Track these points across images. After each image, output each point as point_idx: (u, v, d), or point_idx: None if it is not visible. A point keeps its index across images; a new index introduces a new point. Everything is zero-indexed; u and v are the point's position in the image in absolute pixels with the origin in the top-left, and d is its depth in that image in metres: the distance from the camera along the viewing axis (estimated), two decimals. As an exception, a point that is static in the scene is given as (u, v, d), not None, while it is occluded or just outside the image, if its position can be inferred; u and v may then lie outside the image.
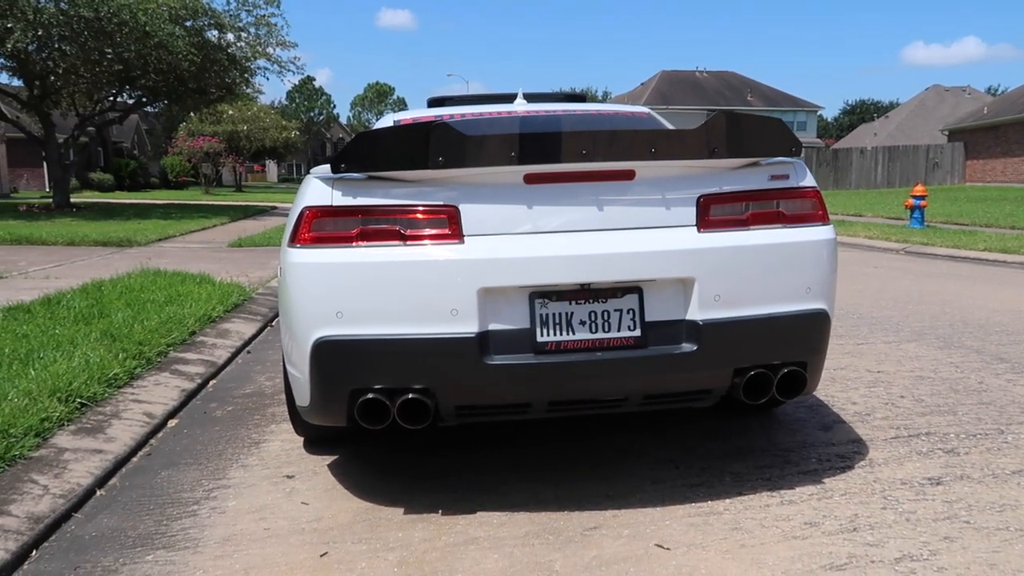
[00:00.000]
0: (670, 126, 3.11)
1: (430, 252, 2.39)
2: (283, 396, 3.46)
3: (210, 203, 25.98)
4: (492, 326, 2.42)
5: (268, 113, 46.28)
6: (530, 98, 4.07)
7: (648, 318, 2.48)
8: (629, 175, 2.47)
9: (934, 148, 33.68)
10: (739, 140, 2.45)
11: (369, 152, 2.39)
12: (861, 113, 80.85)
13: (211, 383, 4.29)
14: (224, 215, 18.21)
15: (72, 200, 20.15)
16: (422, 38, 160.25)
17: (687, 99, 51.75)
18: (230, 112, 38.87)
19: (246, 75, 20.53)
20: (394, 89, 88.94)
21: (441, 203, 2.42)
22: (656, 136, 2.44)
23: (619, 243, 2.44)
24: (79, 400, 3.44)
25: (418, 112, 3.87)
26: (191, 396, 4.00)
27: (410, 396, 2.40)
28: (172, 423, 3.62)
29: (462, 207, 2.42)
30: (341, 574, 2.23)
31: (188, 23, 17.89)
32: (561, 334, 2.44)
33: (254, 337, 5.39)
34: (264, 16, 19.36)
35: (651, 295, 2.49)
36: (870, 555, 2.26)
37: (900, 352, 4.73)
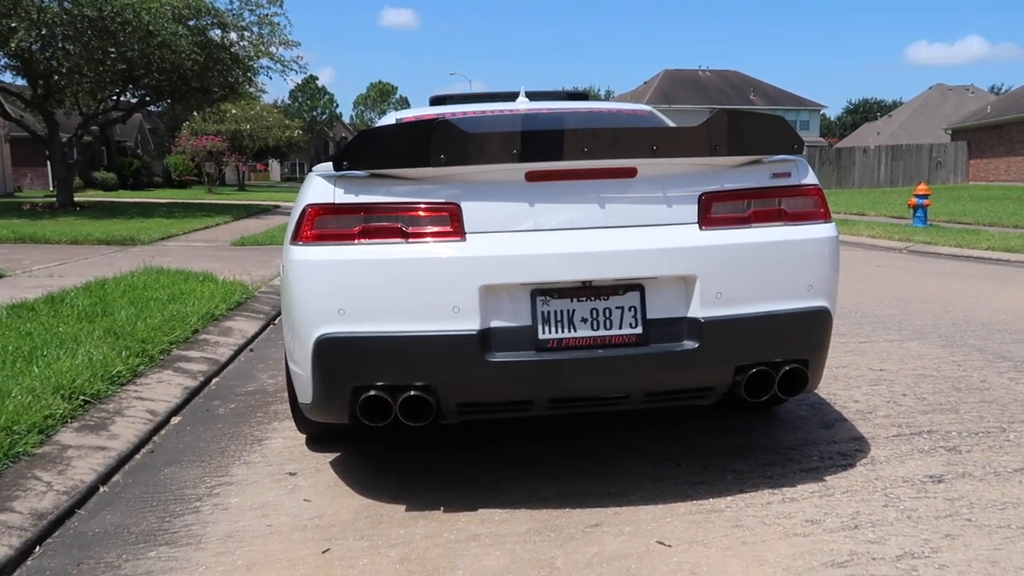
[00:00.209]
0: (672, 124, 3.11)
1: (432, 250, 2.40)
2: (285, 394, 3.47)
3: (213, 202, 26.02)
4: (494, 323, 2.42)
5: (271, 112, 46.32)
6: (532, 96, 4.07)
7: (650, 316, 2.48)
8: (631, 173, 2.47)
9: (937, 147, 33.61)
10: (740, 138, 2.45)
11: (371, 150, 2.40)
12: (864, 112, 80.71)
13: (214, 381, 4.30)
14: (227, 214, 18.24)
15: (76, 199, 20.19)
16: (425, 37, 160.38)
17: (690, 98, 51.70)
18: (233, 111, 38.90)
19: (249, 74, 20.55)
20: (397, 88, 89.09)
21: (443, 201, 2.43)
22: (658, 134, 2.44)
23: (621, 241, 2.44)
24: (82, 397, 3.45)
25: (420, 110, 3.88)
26: (194, 393, 4.01)
27: (412, 393, 2.41)
28: (175, 420, 3.63)
29: (464, 205, 2.42)
30: (343, 571, 2.24)
31: (191, 22, 17.92)
32: (563, 331, 2.45)
33: (257, 335, 5.40)
34: (267, 15, 19.39)
35: (653, 293, 2.49)
36: (871, 552, 2.27)
37: (902, 350, 4.73)
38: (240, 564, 2.29)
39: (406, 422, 2.46)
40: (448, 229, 2.42)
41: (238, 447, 3.26)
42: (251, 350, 5.04)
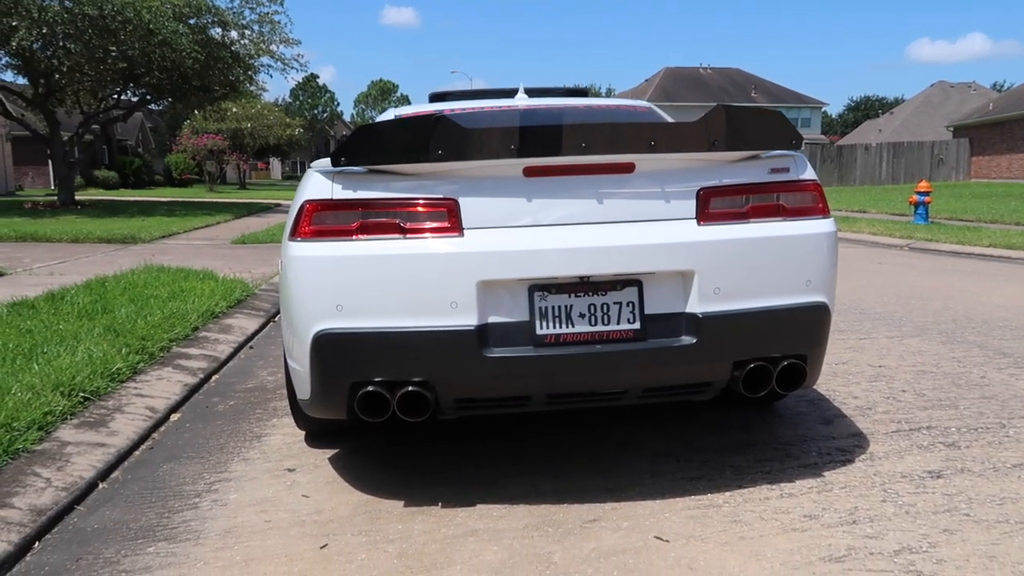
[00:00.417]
0: (671, 120, 3.10)
1: (430, 245, 2.40)
2: (284, 391, 3.47)
3: (214, 200, 26.04)
4: (492, 319, 2.42)
5: (272, 111, 46.35)
6: (531, 93, 4.07)
7: (647, 311, 2.48)
8: (629, 168, 2.47)
9: (939, 144, 33.56)
10: (739, 133, 2.45)
11: (369, 146, 2.39)
12: (866, 110, 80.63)
13: (213, 378, 4.31)
14: (228, 212, 18.25)
15: (77, 198, 20.22)
16: (426, 35, 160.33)
17: (691, 96, 51.65)
18: (234, 110, 38.92)
19: (249, 72, 20.54)
20: (398, 86, 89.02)
21: (441, 196, 2.43)
22: (656, 129, 2.44)
23: (619, 236, 2.44)
24: (82, 394, 3.45)
25: (419, 107, 3.87)
26: (193, 390, 4.01)
27: (410, 389, 2.41)
28: (174, 417, 3.64)
29: (462, 200, 2.42)
30: (341, 566, 2.24)
31: (192, 21, 17.91)
32: (560, 327, 2.45)
33: (257, 332, 5.41)
34: (267, 13, 19.37)
35: (650, 288, 2.49)
36: (869, 547, 2.26)
37: (902, 347, 4.72)
38: (238, 559, 2.29)
39: (404, 418, 2.46)
40: (446, 225, 2.42)
41: (237, 444, 3.27)
42: (251, 347, 5.05)
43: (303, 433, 3.30)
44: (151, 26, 15.83)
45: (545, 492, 2.68)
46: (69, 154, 20.31)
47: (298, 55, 20.84)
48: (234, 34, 19.44)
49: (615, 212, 2.46)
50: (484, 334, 2.40)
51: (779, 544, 2.30)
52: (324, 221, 2.44)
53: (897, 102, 69.52)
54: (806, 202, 2.63)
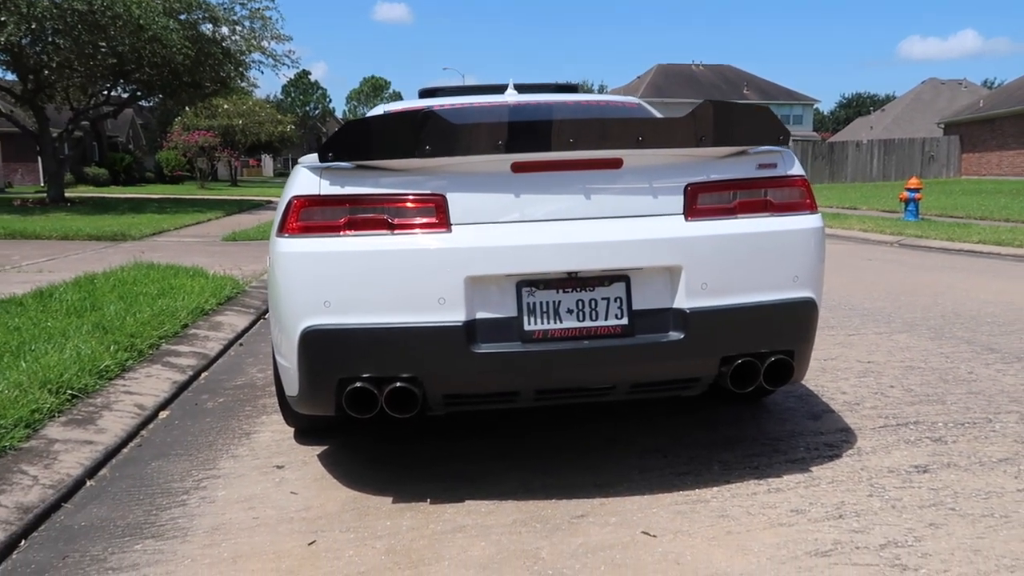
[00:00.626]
0: (659, 116, 3.11)
1: (418, 241, 2.40)
2: (274, 388, 3.47)
3: (205, 197, 25.94)
4: (479, 314, 2.42)
5: (263, 107, 46.15)
6: (521, 89, 4.07)
7: (635, 306, 2.49)
8: (617, 164, 2.47)
9: (930, 141, 33.70)
10: (727, 129, 2.45)
11: (357, 141, 2.39)
12: (857, 107, 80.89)
13: (203, 375, 4.29)
14: (219, 209, 18.19)
15: (66, 195, 20.09)
16: (418, 32, 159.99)
17: (683, 93, 51.68)
18: (225, 106, 38.73)
19: (241, 69, 20.43)
20: (390, 83, 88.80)
21: (429, 192, 2.42)
22: (643, 125, 2.44)
23: (606, 232, 2.44)
24: (70, 392, 3.44)
25: (409, 103, 3.86)
26: (183, 388, 4.00)
27: (398, 385, 2.41)
28: (163, 414, 3.63)
29: (450, 196, 2.42)
30: (328, 562, 2.24)
31: (182, 16, 17.81)
32: (548, 322, 2.45)
33: (247, 330, 5.39)
34: (259, 9, 19.26)
35: (638, 283, 2.49)
36: (855, 541, 2.28)
37: (891, 343, 4.74)
38: (226, 556, 2.28)
39: (392, 414, 2.46)
40: (434, 220, 2.42)
41: (226, 441, 3.26)
42: (241, 344, 5.03)
43: (292, 430, 3.30)
44: (141, 22, 15.73)
45: (534, 488, 2.69)
46: (59, 151, 20.16)
47: (289, 51, 20.79)
48: (225, 30, 19.34)
49: (603, 208, 2.46)
50: (472, 330, 2.40)
51: (766, 538, 2.31)
52: (312, 217, 2.44)
53: (889, 99, 69.76)
54: (793, 198, 2.64)
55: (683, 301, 2.48)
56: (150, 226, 12.76)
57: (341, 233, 2.41)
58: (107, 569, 2.22)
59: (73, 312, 4.94)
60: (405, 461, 2.98)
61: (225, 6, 18.84)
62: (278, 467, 2.95)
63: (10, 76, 19.55)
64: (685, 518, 2.45)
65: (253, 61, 20.36)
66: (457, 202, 2.42)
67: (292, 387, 2.61)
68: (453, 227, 2.41)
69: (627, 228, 2.45)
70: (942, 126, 35.97)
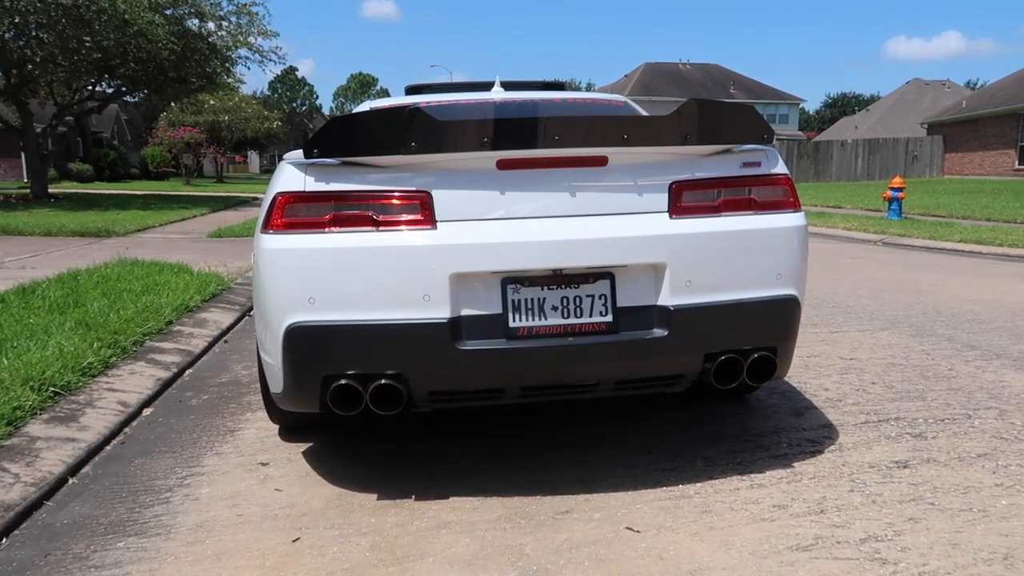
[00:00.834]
0: (645, 114, 3.12)
1: (403, 238, 2.40)
2: (259, 384, 3.45)
3: (191, 194, 25.76)
4: (464, 311, 2.43)
5: (250, 103, 45.82)
6: (507, 86, 4.07)
7: (620, 304, 2.50)
8: (602, 161, 2.48)
9: (914, 141, 33.95)
10: (711, 127, 2.47)
11: (342, 137, 2.38)
12: (843, 106, 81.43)
13: (187, 372, 4.27)
14: (204, 206, 18.07)
15: (50, 190, 19.91)
16: (406, 29, 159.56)
17: (670, 91, 51.83)
18: (211, 102, 38.46)
19: (227, 65, 20.32)
20: (377, 80, 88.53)
21: (414, 189, 2.42)
22: (629, 123, 2.45)
23: (591, 229, 2.45)
24: (52, 389, 3.41)
25: (396, 100, 3.86)
26: (167, 385, 3.98)
27: (383, 382, 2.41)
28: (147, 412, 3.61)
29: (435, 193, 2.42)
30: (313, 559, 2.24)
31: (168, 11, 17.68)
32: (533, 319, 2.45)
33: (232, 326, 5.37)
34: (245, 5, 19.18)
35: (623, 281, 2.50)
36: (836, 536, 2.30)
37: (873, 340, 4.79)
38: (210, 554, 2.28)
39: (377, 411, 2.46)
40: (419, 217, 2.42)
41: (210, 438, 3.25)
42: (225, 341, 5.01)
43: (277, 427, 3.29)
44: (126, 16, 15.61)
45: (519, 484, 2.70)
46: (42, 146, 19.99)
47: (276, 47, 20.60)
48: (211, 25, 19.24)
49: (588, 205, 2.47)
50: (457, 327, 2.41)
51: (748, 533, 2.33)
52: (297, 213, 2.43)
53: (873, 99, 70.28)
54: (777, 196, 2.66)
55: (667, 298, 2.50)
56: (135, 222, 12.66)
57: (326, 229, 2.41)
58: (90, 567, 2.21)
59: (56, 309, 4.90)
60: (390, 458, 2.98)
61: (211, 2, 18.73)
62: (263, 464, 2.95)
63: (-8, 71, 19.33)
64: (669, 513, 2.47)
65: (239, 57, 20.27)
66: (443, 199, 2.42)
67: (277, 384, 2.60)
68: (438, 224, 2.41)
69: (612, 226, 2.46)
70: (926, 126, 36.25)
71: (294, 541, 2.34)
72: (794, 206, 2.69)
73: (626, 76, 58.65)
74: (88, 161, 37.19)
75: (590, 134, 2.40)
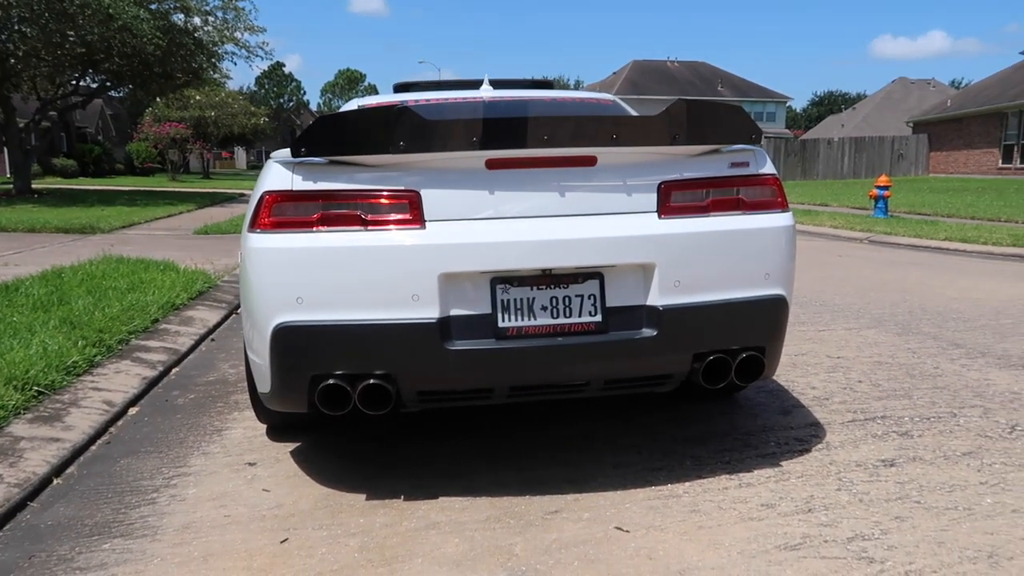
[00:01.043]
0: (635, 113, 3.12)
1: (391, 237, 2.38)
2: (246, 383, 3.43)
3: (177, 190, 25.57)
4: (453, 311, 2.42)
5: (236, 99, 45.54)
6: (496, 84, 4.06)
7: (609, 303, 2.50)
8: (591, 161, 2.48)
9: (899, 140, 34.18)
10: (700, 127, 2.47)
11: (330, 136, 2.37)
12: (829, 104, 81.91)
13: (174, 371, 4.24)
14: (191, 202, 17.95)
15: (34, 186, 19.71)
16: (395, 25, 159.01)
17: (659, 89, 51.94)
18: (197, 97, 38.18)
19: (213, 60, 20.17)
20: (365, 76, 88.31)
21: (403, 188, 2.41)
22: (618, 122, 2.45)
23: (580, 229, 2.45)
24: (36, 388, 3.38)
25: (384, 97, 3.84)
26: (153, 384, 3.95)
27: (371, 382, 2.40)
28: (133, 411, 3.58)
29: (424, 192, 2.41)
30: (301, 560, 2.23)
31: (153, 6, 17.54)
32: (522, 319, 2.45)
33: (219, 324, 5.33)
34: (231, 0, 19.02)
35: (612, 281, 2.50)
36: (824, 535, 2.31)
37: (860, 338, 4.82)
38: (196, 555, 2.26)
39: (365, 411, 2.45)
40: (408, 217, 2.41)
41: (197, 437, 3.22)
42: (212, 339, 4.98)
43: (264, 427, 3.27)
44: (110, 11, 15.45)
45: (508, 484, 2.69)
46: (25, 141, 19.76)
47: (263, 43, 20.38)
48: (197, 20, 19.10)
49: (577, 205, 2.47)
50: (446, 327, 2.40)
51: (737, 533, 2.34)
52: (284, 212, 2.42)
53: (860, 97, 70.71)
54: (765, 196, 2.67)
55: (656, 298, 2.50)
56: (120, 219, 12.55)
57: (314, 229, 2.39)
58: (75, 569, 2.19)
59: (40, 307, 4.85)
60: (379, 457, 2.97)
61: (197, -4, 18.57)
62: (250, 464, 2.93)
63: (-26, 65, 19.08)
64: (658, 513, 2.47)
65: (226, 52, 20.14)
66: (431, 198, 2.41)
67: (264, 384, 2.58)
68: (427, 223, 2.40)
69: (601, 226, 2.46)
70: (911, 125, 36.51)
71: (282, 542, 2.33)
72: (782, 206, 2.70)
73: (614, 73, 58.72)
74: (72, 156, 36.84)
75: (579, 134, 2.39)
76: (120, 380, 3.81)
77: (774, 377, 3.91)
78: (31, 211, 13.57)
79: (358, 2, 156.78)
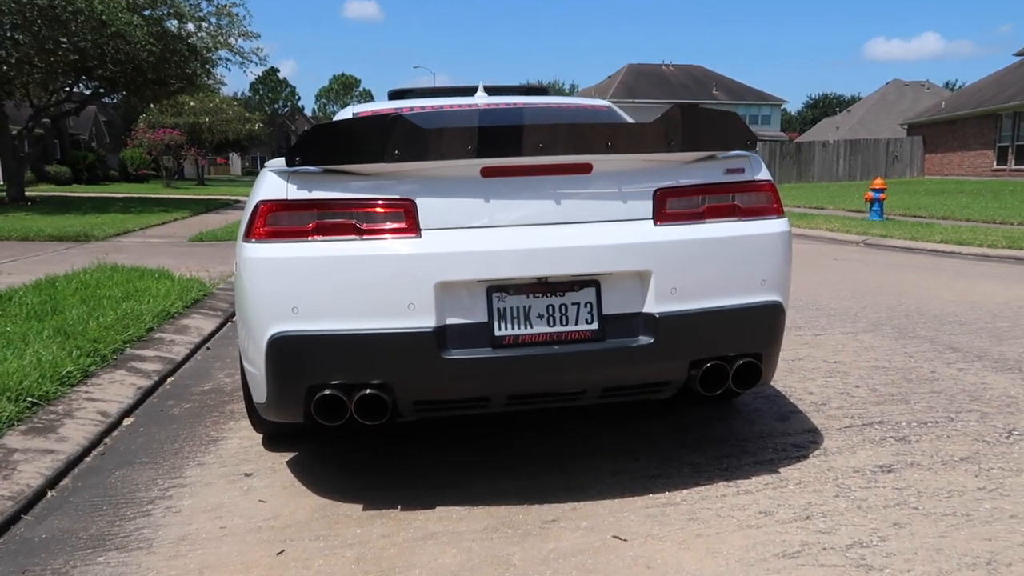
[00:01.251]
0: (630, 119, 3.12)
1: (387, 246, 2.38)
2: (242, 393, 3.41)
3: (171, 197, 25.52)
4: (450, 320, 2.41)
5: (231, 105, 45.47)
6: (491, 91, 4.06)
7: (606, 311, 2.49)
8: (586, 169, 2.47)
9: (894, 142, 34.28)
10: (695, 134, 2.47)
11: (324, 145, 2.36)
12: (824, 107, 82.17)
13: (169, 380, 4.22)
14: (185, 209, 17.91)
15: (27, 193, 19.63)
16: (389, 30, 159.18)
17: (653, 93, 52.03)
18: (191, 104, 38.13)
19: (207, 66, 20.13)
20: (360, 81, 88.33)
21: (398, 197, 2.41)
22: (613, 130, 2.44)
23: (576, 237, 2.44)
24: (30, 399, 3.36)
25: (379, 105, 3.83)
26: (148, 394, 3.93)
27: (367, 392, 2.39)
28: (128, 422, 3.56)
29: (419, 201, 2.40)
30: (298, 572, 2.21)
31: (147, 12, 17.49)
32: (519, 328, 2.44)
33: (214, 333, 5.31)
34: (226, 6, 19.01)
35: (608, 288, 2.50)
36: (822, 542, 2.31)
37: (857, 342, 4.82)
38: (192, 568, 2.25)
39: (362, 421, 2.44)
40: (403, 226, 2.40)
41: (192, 448, 3.20)
42: (208, 348, 4.96)
43: (260, 436, 3.25)
44: (104, 17, 15.41)
45: (505, 493, 2.68)
46: (18, 148, 19.68)
47: (258, 48, 20.43)
48: (191, 26, 19.05)
49: (573, 213, 2.47)
50: (442, 336, 2.39)
51: (735, 541, 2.33)
52: (279, 222, 2.41)
53: (854, 100, 70.92)
54: (761, 202, 2.67)
55: (653, 306, 2.49)
56: (114, 226, 12.51)
57: (309, 238, 2.38)
58: (69, 583, 2.17)
59: (33, 316, 4.82)
60: (375, 468, 2.96)
61: (191, 2, 18.55)
62: (246, 475, 2.91)
63: (-33, 72, 19.01)
64: (656, 521, 2.46)
65: (220, 58, 20.09)
66: (427, 207, 2.40)
67: (260, 394, 2.57)
68: (423, 232, 2.39)
69: (597, 233, 2.45)
70: (906, 127, 36.62)
71: (279, 554, 2.31)
72: (778, 212, 2.70)
73: (609, 77, 58.82)
74: (66, 163, 36.72)
75: (574, 141, 2.39)
76: (115, 390, 3.79)
77: (771, 382, 3.90)
78: (24, 219, 13.53)
79: (352, 7, 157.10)
